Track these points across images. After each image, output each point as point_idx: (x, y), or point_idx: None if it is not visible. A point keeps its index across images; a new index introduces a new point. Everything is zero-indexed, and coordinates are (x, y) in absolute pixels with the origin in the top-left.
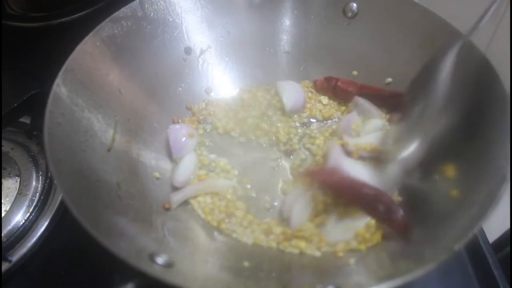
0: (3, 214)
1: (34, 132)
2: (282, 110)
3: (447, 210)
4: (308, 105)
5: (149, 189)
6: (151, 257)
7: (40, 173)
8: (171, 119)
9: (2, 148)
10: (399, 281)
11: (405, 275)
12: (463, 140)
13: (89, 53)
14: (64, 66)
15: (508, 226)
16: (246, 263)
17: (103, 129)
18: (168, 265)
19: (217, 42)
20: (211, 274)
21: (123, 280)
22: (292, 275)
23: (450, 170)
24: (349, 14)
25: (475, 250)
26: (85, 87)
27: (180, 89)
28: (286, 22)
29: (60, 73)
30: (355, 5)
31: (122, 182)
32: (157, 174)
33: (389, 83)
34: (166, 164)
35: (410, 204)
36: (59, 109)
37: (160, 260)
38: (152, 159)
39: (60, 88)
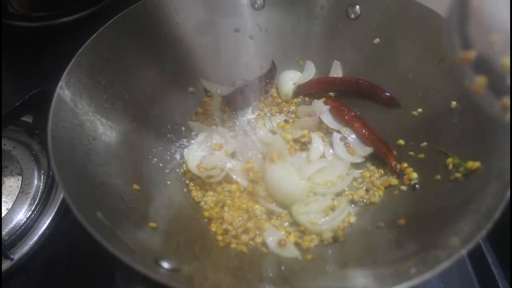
0: (5, 213)
1: (36, 130)
2: None
3: (453, 214)
4: None
5: (153, 191)
6: (157, 261)
7: (42, 171)
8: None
9: (4, 146)
10: (406, 285)
11: (413, 279)
12: (466, 142)
13: (92, 55)
14: (67, 68)
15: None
16: (251, 268)
17: (107, 132)
18: (174, 270)
19: (221, 44)
20: (217, 279)
21: (128, 285)
22: (297, 279)
23: (454, 173)
24: (352, 16)
25: (475, 249)
26: (88, 90)
27: (184, 92)
28: (289, 24)
29: (64, 76)
30: (358, 7)
31: (126, 185)
32: (161, 177)
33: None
34: (170, 167)
35: (416, 210)
36: (63, 112)
37: (165, 264)
38: (156, 162)
39: (63, 90)
